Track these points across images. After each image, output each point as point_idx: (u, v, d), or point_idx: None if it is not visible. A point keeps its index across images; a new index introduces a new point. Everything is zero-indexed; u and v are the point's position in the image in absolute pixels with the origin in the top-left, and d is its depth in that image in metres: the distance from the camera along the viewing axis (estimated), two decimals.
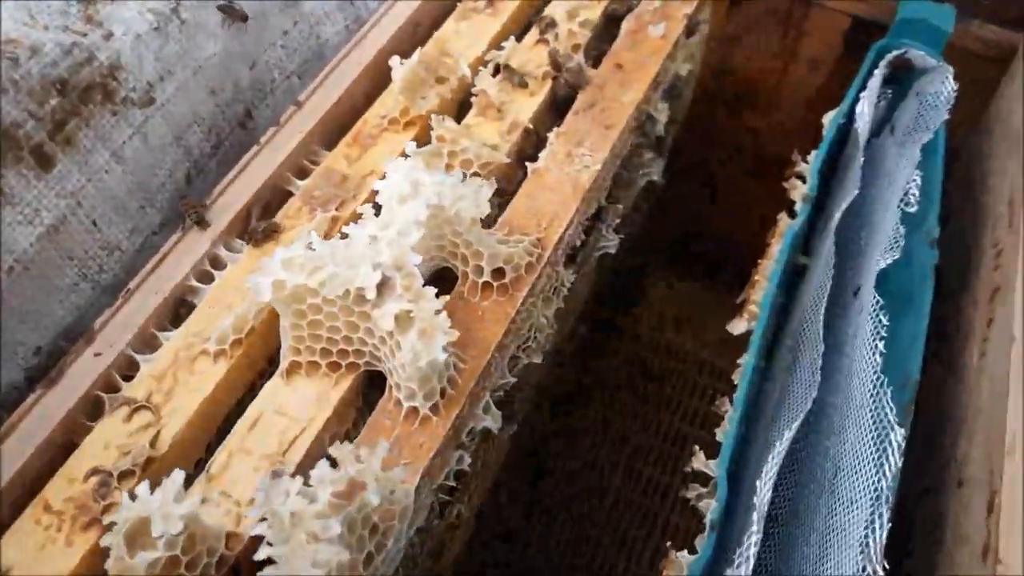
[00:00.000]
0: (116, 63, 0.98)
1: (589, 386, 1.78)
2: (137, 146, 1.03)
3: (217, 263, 1.05)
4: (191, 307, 1.02)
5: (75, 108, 0.94)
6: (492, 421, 1.02)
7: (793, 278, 1.39)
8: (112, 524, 0.77)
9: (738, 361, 1.13)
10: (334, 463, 0.78)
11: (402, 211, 0.93)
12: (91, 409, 0.93)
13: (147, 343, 0.99)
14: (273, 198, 1.12)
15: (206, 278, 1.04)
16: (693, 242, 2.20)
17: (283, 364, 0.95)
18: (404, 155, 1.05)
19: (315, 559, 0.71)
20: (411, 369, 0.88)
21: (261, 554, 0.71)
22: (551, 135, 1.20)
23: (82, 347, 0.95)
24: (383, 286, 0.89)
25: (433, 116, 1.14)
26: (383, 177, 0.99)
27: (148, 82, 1.02)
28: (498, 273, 1.03)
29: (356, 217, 1.04)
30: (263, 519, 0.75)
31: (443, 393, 0.93)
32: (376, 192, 0.98)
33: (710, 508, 1.00)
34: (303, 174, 1.15)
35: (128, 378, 0.95)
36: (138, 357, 0.97)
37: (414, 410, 0.92)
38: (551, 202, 1.13)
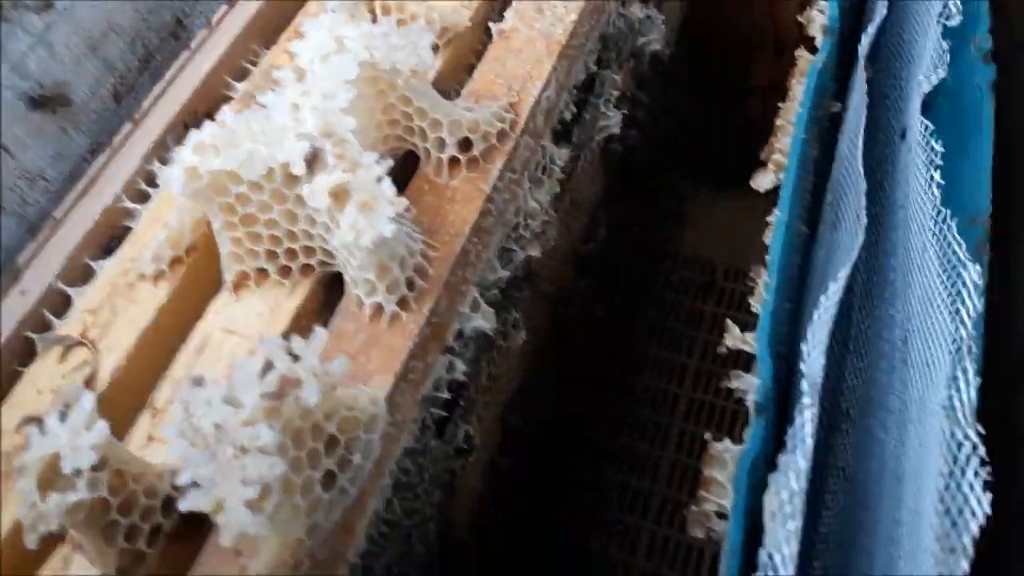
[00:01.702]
0: None
1: (618, 307, 1.61)
2: (42, 58, 0.90)
3: (154, 182, 0.92)
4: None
5: None
6: (484, 320, 0.87)
7: (830, 132, 1.20)
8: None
9: (767, 219, 0.96)
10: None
11: (327, 71, 0.78)
12: (22, 353, 0.81)
13: (81, 276, 0.86)
14: (212, 106, 0.99)
15: (143, 199, 0.91)
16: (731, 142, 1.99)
17: (227, 276, 0.82)
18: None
19: (245, 475, 0.57)
20: (361, 254, 0.74)
21: (182, 477, 0.58)
22: None
23: (6, 286, 0.84)
24: (314, 160, 0.75)
25: None
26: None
27: None
28: (465, 145, 0.88)
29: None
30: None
31: (411, 285, 0.79)
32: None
33: (752, 387, 0.84)
34: (244, 77, 1.01)
35: (63, 316, 0.83)
36: (70, 291, 0.84)
37: (379, 308, 0.77)
38: (522, 64, 0.97)
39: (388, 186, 0.73)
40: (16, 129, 0.88)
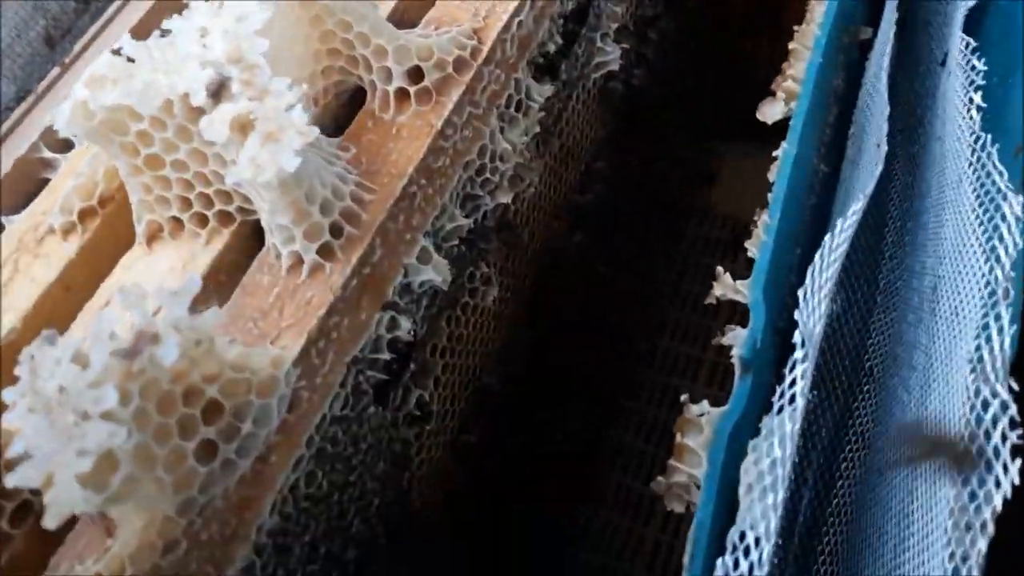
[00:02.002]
0: None
1: (625, 264, 1.47)
2: None
3: None
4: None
5: None
6: (436, 273, 0.77)
7: (859, 62, 1.05)
8: None
9: (774, 154, 0.83)
10: None
11: None
12: None
13: None
14: None
15: (66, 148, 0.83)
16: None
17: (139, 227, 0.73)
18: None
19: (82, 444, 0.48)
20: (269, 195, 0.64)
21: (14, 448, 0.49)
22: None
23: None
24: (221, 89, 0.65)
25: None
26: None
27: None
28: (415, 75, 0.77)
29: None
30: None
31: (337, 232, 0.68)
32: None
33: (738, 341, 0.71)
34: None
35: None
36: None
37: (298, 258, 0.68)
38: None
39: (299, 115, 0.63)
40: None
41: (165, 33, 0.69)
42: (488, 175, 0.85)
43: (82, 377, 0.50)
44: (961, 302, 0.72)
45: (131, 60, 0.67)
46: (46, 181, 0.81)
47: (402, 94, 0.77)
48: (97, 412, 0.49)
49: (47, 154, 0.82)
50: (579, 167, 1.11)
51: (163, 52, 0.67)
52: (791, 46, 0.92)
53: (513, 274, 0.98)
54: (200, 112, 0.65)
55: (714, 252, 1.84)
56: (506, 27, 0.83)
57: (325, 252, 0.68)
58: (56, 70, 0.86)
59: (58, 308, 0.72)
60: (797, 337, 0.63)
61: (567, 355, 1.09)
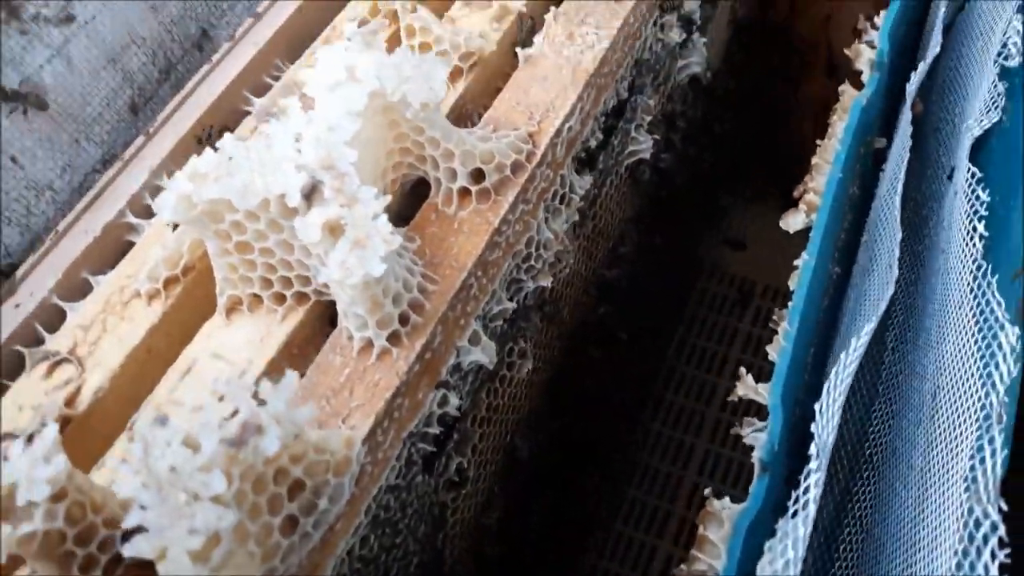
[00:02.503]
0: None
1: (646, 330, 1.55)
2: (59, 71, 0.90)
3: None
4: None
5: None
6: (483, 354, 0.84)
7: (873, 170, 1.14)
8: None
9: (794, 263, 0.91)
10: None
11: (334, 101, 0.76)
12: (12, 367, 0.81)
13: (79, 290, 0.86)
14: (229, 120, 0.98)
15: (149, 214, 0.90)
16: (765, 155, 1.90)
17: (220, 300, 0.80)
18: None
19: (192, 524, 0.55)
20: (351, 291, 0.71)
21: (129, 520, 0.56)
22: (548, 16, 1.00)
23: (4, 297, 0.84)
24: (313, 192, 0.72)
25: (399, 4, 0.96)
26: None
27: None
28: (477, 176, 0.85)
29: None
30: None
31: (404, 320, 0.76)
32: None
33: (759, 443, 0.79)
34: (265, 92, 1.00)
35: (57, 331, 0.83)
36: (65, 305, 0.84)
37: (368, 342, 0.75)
38: (546, 92, 0.93)
39: (383, 223, 0.70)
40: (26, 139, 0.88)
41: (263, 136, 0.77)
42: (532, 262, 0.93)
43: (192, 461, 0.57)
44: (958, 417, 0.80)
45: (230, 158, 0.74)
46: (130, 244, 0.88)
47: (464, 192, 0.85)
48: (207, 495, 0.56)
49: (132, 219, 0.89)
50: (608, 244, 1.19)
51: (260, 154, 0.74)
52: (813, 160, 1.00)
53: (545, 346, 1.05)
54: (292, 210, 0.73)
55: (720, 308, 1.91)
56: (558, 132, 0.91)
57: (393, 338, 0.75)
58: (141, 139, 0.93)
59: (142, 370, 0.79)
60: (812, 449, 0.71)
61: (593, 428, 1.17)
